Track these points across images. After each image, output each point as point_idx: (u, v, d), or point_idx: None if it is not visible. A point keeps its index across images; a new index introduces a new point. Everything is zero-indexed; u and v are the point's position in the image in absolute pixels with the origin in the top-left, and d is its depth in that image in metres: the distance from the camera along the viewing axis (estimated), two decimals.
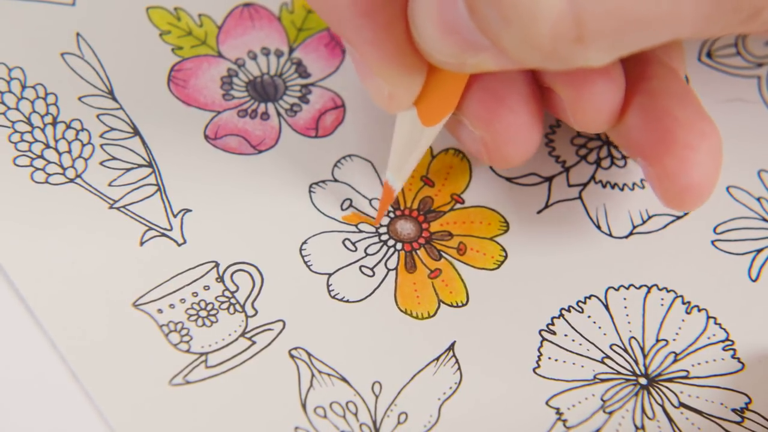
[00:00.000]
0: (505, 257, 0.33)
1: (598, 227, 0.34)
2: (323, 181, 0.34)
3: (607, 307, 0.33)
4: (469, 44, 0.26)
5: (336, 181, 0.34)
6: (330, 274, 0.33)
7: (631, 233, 0.34)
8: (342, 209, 0.34)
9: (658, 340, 0.32)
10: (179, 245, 0.33)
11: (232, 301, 0.32)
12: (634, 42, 0.25)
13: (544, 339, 0.32)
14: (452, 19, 0.26)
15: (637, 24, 0.24)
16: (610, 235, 0.34)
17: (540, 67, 0.26)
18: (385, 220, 0.34)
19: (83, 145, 0.34)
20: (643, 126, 0.30)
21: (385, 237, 0.34)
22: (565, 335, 0.32)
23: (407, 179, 0.33)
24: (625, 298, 0.33)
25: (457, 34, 0.26)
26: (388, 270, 0.33)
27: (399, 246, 0.33)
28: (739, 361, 0.32)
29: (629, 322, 0.33)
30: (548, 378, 0.32)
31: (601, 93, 0.29)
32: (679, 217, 0.34)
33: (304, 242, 0.33)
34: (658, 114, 0.30)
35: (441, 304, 0.33)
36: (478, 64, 0.27)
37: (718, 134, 0.30)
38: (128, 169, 0.34)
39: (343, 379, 0.31)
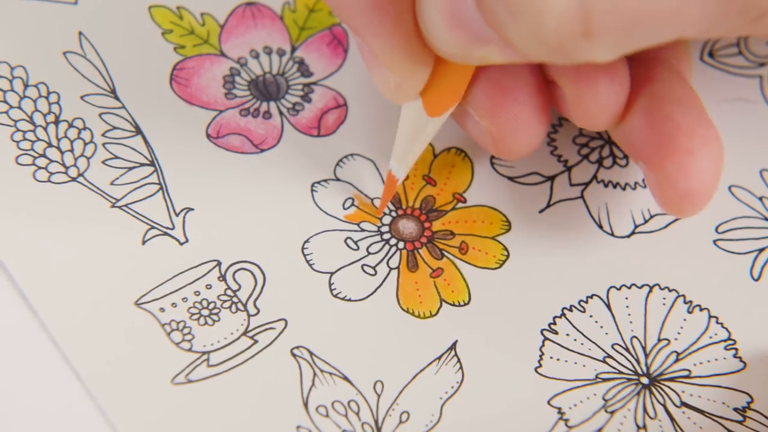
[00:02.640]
0: (507, 256, 0.33)
1: (600, 227, 0.34)
2: (325, 180, 0.34)
3: (608, 306, 0.33)
4: (476, 36, 0.26)
5: (338, 180, 0.34)
6: (332, 273, 0.33)
7: (633, 233, 0.34)
8: (344, 208, 0.34)
9: (659, 340, 0.32)
10: (181, 244, 0.33)
11: (234, 299, 0.32)
12: (641, 39, 0.25)
13: (545, 338, 0.32)
14: (460, 12, 0.26)
15: (643, 21, 0.24)
16: (612, 234, 0.34)
17: (546, 61, 0.26)
18: (387, 219, 0.34)
19: (85, 144, 0.34)
20: (645, 129, 0.30)
21: (387, 236, 0.34)
22: (567, 335, 0.32)
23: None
24: (626, 298, 0.33)
25: (464, 27, 0.26)
26: (390, 269, 0.33)
27: (401, 245, 0.33)
28: (741, 361, 0.32)
29: (631, 322, 0.33)
30: (550, 377, 0.32)
31: (605, 91, 0.29)
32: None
33: (306, 241, 0.33)
34: (660, 118, 0.30)
35: (443, 303, 0.33)
36: (484, 56, 0.27)
37: (719, 141, 0.30)
38: (130, 168, 0.34)
39: (345, 378, 0.31)
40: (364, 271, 0.33)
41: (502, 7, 0.24)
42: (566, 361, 0.32)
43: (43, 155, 0.34)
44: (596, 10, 0.24)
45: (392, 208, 0.34)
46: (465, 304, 0.33)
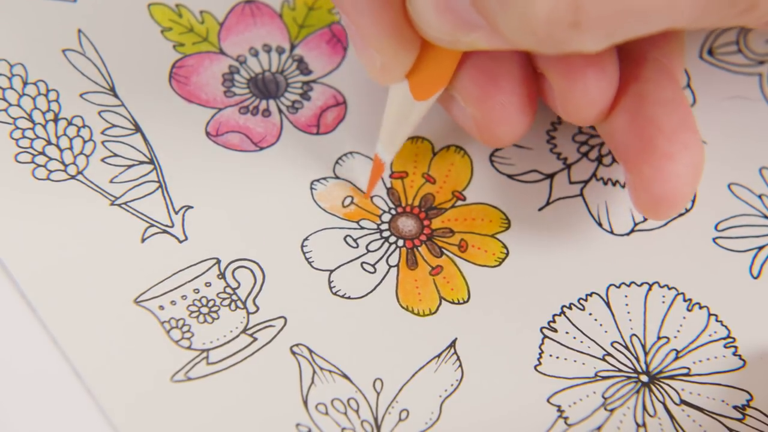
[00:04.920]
0: (507, 254, 0.33)
1: (600, 224, 0.34)
2: (324, 178, 0.34)
3: (608, 304, 0.33)
4: (463, 22, 0.26)
5: (337, 178, 0.34)
6: (331, 271, 0.33)
7: (632, 230, 0.34)
8: (343, 206, 0.34)
9: (659, 338, 0.32)
10: (180, 242, 0.33)
11: (234, 297, 0.32)
12: (630, 29, 0.25)
13: (545, 336, 0.32)
14: None
15: (633, 12, 0.24)
16: (612, 232, 0.34)
17: (534, 50, 0.26)
18: (387, 217, 0.34)
19: (84, 142, 0.34)
20: (627, 129, 0.30)
21: (386, 234, 0.34)
22: (567, 333, 0.32)
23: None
24: (626, 296, 0.33)
25: (453, 12, 0.26)
26: (390, 267, 0.33)
27: (400, 243, 0.33)
28: (741, 359, 0.32)
29: (630, 320, 0.33)
30: (549, 375, 0.32)
31: (594, 86, 0.29)
32: (680, 215, 0.34)
33: (306, 239, 0.33)
34: (643, 119, 0.30)
35: (442, 301, 0.33)
36: (471, 42, 0.27)
37: (700, 146, 0.29)
38: (129, 166, 0.34)
39: (345, 376, 0.31)
40: (364, 269, 0.33)
41: None
42: (566, 359, 0.32)
43: (42, 153, 0.34)
44: (587, 1, 0.24)
45: (391, 206, 0.34)
46: (464, 302, 0.33)
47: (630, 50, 0.30)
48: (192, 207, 0.33)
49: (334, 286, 0.33)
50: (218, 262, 0.33)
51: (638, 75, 0.30)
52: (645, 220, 0.34)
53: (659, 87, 0.30)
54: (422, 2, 0.27)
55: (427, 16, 0.27)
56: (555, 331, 0.32)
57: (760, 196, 0.34)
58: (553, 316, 0.33)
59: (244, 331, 0.32)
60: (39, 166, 0.33)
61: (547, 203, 0.34)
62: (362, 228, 0.34)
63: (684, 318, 0.33)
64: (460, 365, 0.32)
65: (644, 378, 0.32)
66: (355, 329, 0.32)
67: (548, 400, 0.31)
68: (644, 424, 0.31)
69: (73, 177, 0.33)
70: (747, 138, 0.35)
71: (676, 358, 0.32)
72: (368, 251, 0.33)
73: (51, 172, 0.33)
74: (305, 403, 0.31)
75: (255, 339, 0.32)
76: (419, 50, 0.29)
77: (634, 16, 0.24)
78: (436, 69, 0.30)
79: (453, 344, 0.32)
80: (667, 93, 0.30)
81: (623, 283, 0.33)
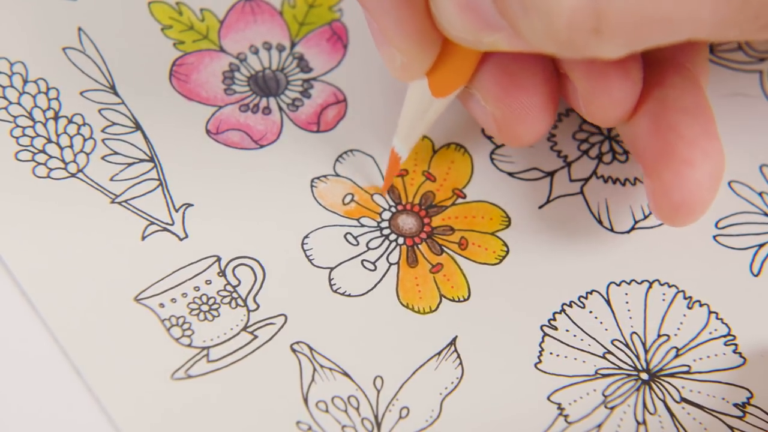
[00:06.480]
0: (507, 252, 0.33)
1: (600, 222, 0.34)
2: (325, 176, 0.34)
3: (608, 302, 0.33)
4: (486, 23, 0.26)
5: (338, 175, 0.34)
6: (332, 269, 0.33)
7: (632, 228, 0.34)
8: (344, 203, 0.34)
9: (659, 335, 0.32)
10: (181, 240, 0.33)
11: (234, 295, 0.32)
12: (651, 39, 0.25)
13: (545, 334, 0.32)
14: None
15: (654, 22, 0.24)
16: (612, 230, 0.34)
17: (555, 54, 0.26)
18: (387, 215, 0.34)
19: (85, 140, 0.34)
20: (648, 135, 0.30)
21: (386, 231, 0.34)
22: (567, 330, 0.32)
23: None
24: (626, 293, 0.33)
25: (475, 13, 0.26)
26: (390, 264, 0.33)
27: (401, 240, 0.33)
28: (741, 356, 0.32)
29: (631, 317, 0.33)
30: (550, 373, 0.32)
31: (617, 88, 0.29)
32: None
33: (306, 236, 0.33)
34: (664, 126, 0.30)
35: (442, 298, 0.33)
36: (493, 42, 0.27)
37: (721, 155, 0.29)
38: (130, 164, 0.34)
39: (345, 374, 0.31)
40: (364, 267, 0.33)
41: (515, 0, 0.24)
42: (566, 356, 0.32)
43: (43, 151, 0.34)
44: (608, 9, 0.24)
45: (392, 203, 0.34)
46: (464, 300, 0.33)
47: (655, 55, 0.30)
48: (192, 205, 0.33)
49: (335, 284, 0.33)
50: (219, 259, 0.33)
51: (662, 80, 0.30)
52: (645, 218, 0.34)
53: (683, 93, 0.30)
54: (445, 2, 0.27)
55: (449, 16, 0.27)
56: (555, 328, 0.32)
57: (760, 194, 0.34)
58: (554, 313, 0.33)
59: (244, 328, 0.32)
60: (39, 164, 0.33)
61: (548, 201, 0.34)
62: (362, 226, 0.34)
63: (684, 316, 0.33)
64: (461, 363, 0.32)
65: (644, 376, 0.32)
66: (355, 327, 0.32)
67: (548, 398, 0.31)
68: (644, 422, 0.31)
69: (73, 175, 0.33)
70: (747, 135, 0.35)
71: (677, 355, 0.32)
72: (368, 249, 0.33)
73: (51, 170, 0.33)
74: (305, 400, 0.31)
75: (255, 337, 0.32)
76: (440, 48, 0.29)
77: (655, 26, 0.24)
78: (457, 67, 0.30)
79: (453, 342, 0.32)
80: (690, 100, 0.30)
81: (623, 280, 0.33)
